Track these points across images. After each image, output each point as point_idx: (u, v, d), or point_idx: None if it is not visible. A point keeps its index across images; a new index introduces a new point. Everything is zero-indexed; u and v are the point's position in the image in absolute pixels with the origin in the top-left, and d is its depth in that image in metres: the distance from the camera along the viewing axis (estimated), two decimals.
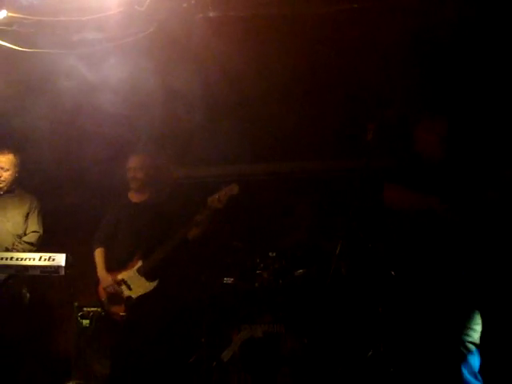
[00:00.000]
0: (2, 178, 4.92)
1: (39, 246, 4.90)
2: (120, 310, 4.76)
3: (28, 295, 4.75)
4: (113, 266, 4.91)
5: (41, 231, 5.06)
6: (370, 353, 4.46)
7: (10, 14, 4.05)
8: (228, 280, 5.03)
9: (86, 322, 4.88)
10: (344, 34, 4.46)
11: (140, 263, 4.85)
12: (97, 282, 4.92)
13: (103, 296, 4.85)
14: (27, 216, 5.01)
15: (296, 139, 5.59)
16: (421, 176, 4.21)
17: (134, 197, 5.12)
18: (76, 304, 5.24)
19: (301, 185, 5.83)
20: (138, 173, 5.02)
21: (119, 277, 4.84)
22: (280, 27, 4.37)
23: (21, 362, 4.71)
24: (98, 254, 4.99)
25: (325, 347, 4.67)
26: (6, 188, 4.97)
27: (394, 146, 5.20)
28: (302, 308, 4.89)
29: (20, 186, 5.09)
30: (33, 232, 5.02)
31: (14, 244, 4.86)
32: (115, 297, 4.80)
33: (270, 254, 4.97)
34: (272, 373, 4.58)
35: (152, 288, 4.79)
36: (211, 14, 4.23)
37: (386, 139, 4.52)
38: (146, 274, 4.81)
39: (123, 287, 4.81)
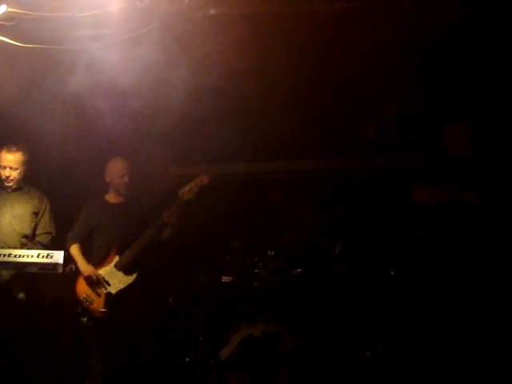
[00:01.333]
0: (11, 177, 4.86)
1: (52, 247, 4.80)
2: (100, 306, 4.77)
3: (23, 295, 4.72)
4: (91, 264, 4.95)
5: (53, 232, 5.02)
6: (368, 353, 4.45)
7: (9, 9, 4.03)
8: (227, 279, 5.04)
9: (83, 319, 4.84)
10: (345, 33, 4.46)
11: (117, 258, 4.90)
12: (75, 279, 4.93)
13: (82, 294, 4.85)
14: (35, 214, 4.96)
15: (296, 138, 5.57)
16: (449, 173, 4.23)
17: (112, 197, 5.17)
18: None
19: (300, 184, 5.83)
20: (125, 178, 5.07)
21: (98, 272, 4.87)
22: (281, 25, 4.36)
23: (22, 362, 4.68)
24: (75, 249, 5.01)
25: (323, 347, 4.67)
26: (14, 186, 4.92)
27: (395, 145, 5.22)
28: (300, 307, 4.89)
29: (28, 183, 5.05)
30: (45, 233, 4.97)
31: (23, 244, 4.81)
32: (94, 292, 4.82)
33: (269, 252, 4.98)
34: (270, 372, 4.59)
35: (131, 282, 4.85)
36: (212, 12, 4.23)
37: (386, 138, 4.55)
38: (123, 268, 4.87)
39: (102, 283, 4.84)
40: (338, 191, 5.41)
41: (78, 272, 4.93)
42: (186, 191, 4.89)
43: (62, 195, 5.39)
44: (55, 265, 4.04)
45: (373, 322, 4.48)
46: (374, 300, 4.50)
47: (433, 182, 4.24)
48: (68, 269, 4.82)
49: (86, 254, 5.03)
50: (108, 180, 5.15)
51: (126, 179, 5.08)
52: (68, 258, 4.72)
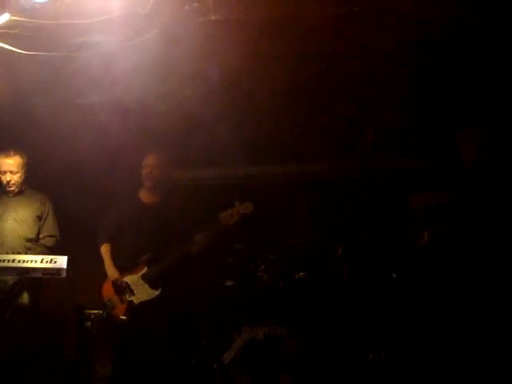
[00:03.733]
0: (12, 181, 4.88)
1: (56, 250, 4.84)
2: (121, 313, 4.75)
3: (28, 299, 4.74)
4: (117, 265, 4.90)
5: (57, 235, 5.03)
6: (371, 356, 4.47)
7: (12, 18, 4.06)
8: (229, 282, 5.03)
9: (87, 323, 4.87)
10: (345, 38, 4.47)
11: (145, 269, 4.83)
12: (101, 280, 4.91)
13: (106, 296, 4.84)
14: (38, 218, 4.97)
15: (297, 142, 5.60)
16: (458, 179, 4.25)
17: (145, 197, 5.07)
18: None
19: (302, 187, 5.84)
20: (154, 170, 4.99)
21: (123, 279, 4.83)
22: (280, 30, 4.38)
23: (26, 366, 4.70)
24: (105, 250, 4.98)
25: (326, 349, 4.68)
26: (16, 190, 4.94)
27: (395, 148, 5.24)
28: (303, 310, 4.90)
29: (30, 186, 5.06)
30: (50, 236, 4.98)
31: (28, 248, 4.81)
32: (118, 298, 4.80)
33: (271, 256, 4.98)
34: (273, 375, 4.59)
35: (155, 296, 4.78)
36: (213, 18, 4.24)
37: (385, 142, 4.59)
38: (150, 281, 4.80)
39: (126, 290, 4.80)
40: (340, 194, 5.42)
41: (104, 273, 4.91)
42: (228, 216, 4.80)
43: (64, 197, 5.42)
44: (59, 270, 4.07)
45: (375, 325, 4.50)
46: (377, 302, 4.52)
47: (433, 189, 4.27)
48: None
49: (113, 251, 4.99)
50: (141, 172, 5.06)
51: (153, 172, 4.98)
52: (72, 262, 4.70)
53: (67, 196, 5.51)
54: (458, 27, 4.11)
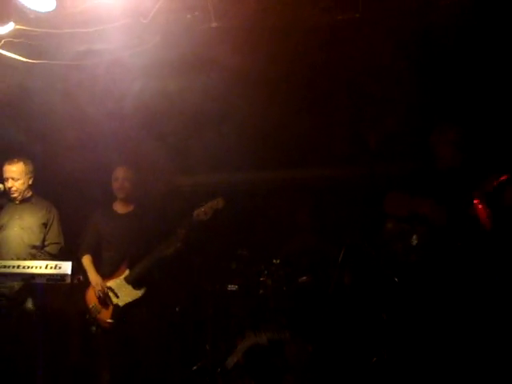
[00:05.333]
0: (14, 188, 4.94)
1: (60, 257, 4.89)
2: (107, 317, 4.83)
3: (33, 304, 4.79)
4: (100, 275, 5.00)
5: (62, 242, 5.10)
6: (374, 360, 4.48)
7: (17, 27, 4.12)
8: (232, 287, 5.07)
9: (93, 328, 4.90)
10: (346, 44, 4.50)
11: (127, 272, 4.94)
12: (85, 288, 4.99)
13: (91, 302, 4.92)
14: (44, 225, 5.04)
15: (300, 147, 5.62)
16: (433, 182, 4.23)
17: (120, 208, 5.19)
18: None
19: (305, 192, 5.86)
20: (125, 182, 5.11)
21: (107, 284, 4.93)
22: (281, 36, 4.41)
23: (31, 371, 4.73)
24: (87, 260, 5.08)
25: (329, 354, 4.69)
26: (20, 197, 5.00)
27: (397, 153, 5.25)
28: (306, 315, 4.91)
29: (37, 193, 5.13)
30: (54, 243, 5.05)
31: (32, 255, 4.87)
32: (102, 303, 4.88)
33: (274, 261, 5.00)
34: (276, 380, 4.59)
35: (139, 296, 4.88)
36: (214, 25, 4.28)
37: (388, 147, 4.59)
38: (133, 282, 4.90)
39: (111, 294, 4.89)
40: (343, 199, 5.44)
41: (88, 281, 5.00)
42: (201, 213, 4.90)
43: (69, 205, 5.47)
44: (63, 276, 4.09)
45: (378, 329, 4.51)
46: (379, 306, 4.53)
47: (415, 190, 4.26)
48: (76, 279, 4.88)
49: (95, 261, 5.09)
50: (112, 187, 5.18)
51: (125, 184, 5.10)
52: (77, 268, 4.77)
53: (72, 202, 5.56)
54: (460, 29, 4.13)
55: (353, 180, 5.53)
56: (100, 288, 4.89)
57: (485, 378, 3.90)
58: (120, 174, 5.13)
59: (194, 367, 4.96)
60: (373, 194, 4.95)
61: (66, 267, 4.12)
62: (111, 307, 4.87)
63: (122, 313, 4.85)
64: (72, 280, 4.14)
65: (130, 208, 5.19)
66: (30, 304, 4.80)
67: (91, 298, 4.94)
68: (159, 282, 5.10)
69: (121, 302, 4.88)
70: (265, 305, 4.93)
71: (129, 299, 4.88)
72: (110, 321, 4.81)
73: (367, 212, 4.88)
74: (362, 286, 4.87)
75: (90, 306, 4.92)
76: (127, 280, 4.91)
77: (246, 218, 5.64)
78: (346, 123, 5.31)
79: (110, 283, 4.93)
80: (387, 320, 4.49)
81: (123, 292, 4.89)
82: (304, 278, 5.00)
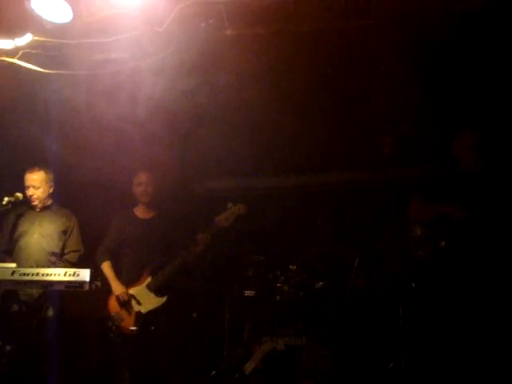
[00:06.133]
0: (35, 196, 4.99)
1: (80, 265, 4.90)
2: (130, 325, 4.83)
3: (53, 311, 4.83)
4: (121, 281, 5.01)
5: (82, 250, 5.14)
6: (391, 365, 4.46)
7: (35, 38, 4.19)
8: (249, 293, 5.07)
9: (110, 335, 4.93)
10: (359, 49, 4.51)
11: (149, 279, 4.94)
12: (107, 295, 5.00)
13: (113, 310, 4.93)
14: (63, 233, 5.09)
15: (315, 152, 5.63)
16: (456, 186, 4.24)
17: (141, 213, 5.22)
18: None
19: (321, 197, 5.87)
20: (148, 187, 5.13)
21: (129, 291, 4.94)
22: (294, 42, 4.43)
23: (50, 376, 4.78)
24: (107, 266, 5.08)
25: (346, 359, 4.68)
26: (41, 205, 5.06)
27: (413, 157, 5.23)
28: (323, 320, 4.91)
29: (57, 201, 5.18)
30: (74, 251, 5.09)
31: (52, 262, 4.91)
32: (125, 311, 4.90)
33: (291, 266, 5.01)
34: None
35: (161, 303, 4.89)
36: (228, 32, 4.32)
37: (402, 151, 4.58)
38: (155, 289, 4.91)
39: (133, 302, 4.90)
40: (358, 203, 5.43)
41: (109, 289, 5.00)
42: (223, 218, 4.93)
43: (90, 212, 5.52)
44: (82, 283, 4.12)
45: (395, 334, 4.50)
46: (396, 311, 4.52)
47: (430, 198, 4.26)
48: (94, 286, 4.91)
49: (116, 267, 5.10)
50: (134, 191, 5.21)
51: (148, 189, 5.12)
52: (96, 274, 4.80)
53: (92, 210, 5.61)
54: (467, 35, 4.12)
55: (368, 185, 5.53)
56: (123, 295, 4.90)
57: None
58: (143, 179, 5.15)
59: (212, 373, 4.98)
60: (390, 198, 4.95)
61: (85, 274, 4.14)
62: (134, 314, 4.87)
63: (145, 320, 4.84)
64: (90, 287, 4.18)
65: (152, 213, 5.20)
66: (49, 311, 4.82)
67: (113, 305, 4.95)
68: (181, 289, 5.12)
69: (143, 309, 4.87)
70: (281, 310, 4.94)
71: (151, 306, 4.88)
72: (133, 328, 4.80)
73: (385, 216, 4.88)
74: (378, 290, 4.86)
75: (113, 314, 4.92)
76: (149, 287, 4.92)
77: (262, 224, 5.65)
78: (363, 128, 5.30)
79: (132, 290, 4.93)
80: (404, 325, 4.47)
81: (146, 299, 4.89)
82: (320, 283, 5.00)
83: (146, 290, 4.92)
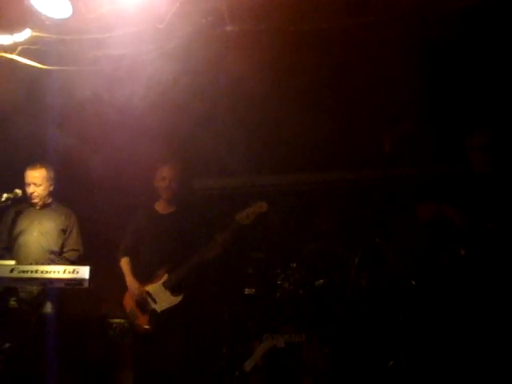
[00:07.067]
0: (36, 194, 4.98)
1: (79, 264, 4.88)
2: (144, 323, 4.78)
3: (52, 309, 4.81)
4: (138, 277, 4.94)
5: (81, 249, 5.11)
6: (391, 363, 4.46)
7: (33, 34, 4.17)
8: (249, 290, 5.05)
9: (110, 332, 4.92)
10: (359, 47, 4.49)
11: (166, 277, 4.87)
12: (123, 292, 4.96)
13: (128, 307, 4.88)
14: (63, 231, 5.07)
15: (316, 150, 5.61)
16: (465, 188, 4.25)
17: (162, 208, 5.12)
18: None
19: (321, 195, 5.85)
20: (172, 182, 5.03)
21: (145, 289, 4.87)
22: (294, 40, 4.41)
23: (49, 374, 4.77)
24: (125, 263, 5.02)
25: (346, 356, 4.68)
26: (41, 203, 5.04)
27: (412, 156, 5.23)
28: (323, 317, 4.90)
29: (57, 199, 5.16)
30: (73, 250, 5.07)
31: (51, 260, 4.89)
32: (140, 309, 4.84)
33: (291, 264, 4.98)
34: (294, 382, 4.59)
35: (177, 302, 4.81)
36: (229, 29, 4.29)
37: (404, 150, 4.57)
38: (171, 287, 4.83)
39: (148, 300, 4.84)
40: (358, 202, 5.42)
41: (125, 285, 4.95)
42: (244, 217, 4.85)
43: (89, 209, 5.50)
44: (81, 280, 4.12)
45: (395, 332, 4.49)
46: (396, 309, 4.51)
47: (441, 198, 4.25)
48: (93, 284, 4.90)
49: (135, 264, 5.03)
50: (156, 186, 5.11)
51: (168, 183, 5.02)
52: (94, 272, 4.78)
53: (92, 208, 5.59)
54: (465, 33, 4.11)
55: (370, 183, 5.51)
56: (138, 293, 4.85)
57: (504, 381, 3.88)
58: (167, 174, 5.04)
59: (212, 370, 4.97)
60: (389, 196, 4.94)
61: (84, 272, 4.14)
62: (148, 313, 4.82)
63: (160, 319, 4.79)
64: (90, 284, 4.17)
65: (172, 208, 5.12)
66: (48, 308, 4.82)
67: (128, 302, 4.90)
68: (198, 288, 5.07)
69: (158, 307, 4.81)
70: (281, 308, 4.92)
71: (167, 305, 4.81)
72: (147, 327, 4.75)
73: (384, 214, 4.87)
74: (379, 288, 4.85)
75: (128, 311, 4.87)
76: (165, 285, 4.84)
77: (263, 221, 5.62)
78: (364, 126, 5.28)
79: (148, 288, 4.87)
80: (404, 323, 4.46)
81: (161, 297, 4.82)
82: (320, 281, 4.99)
83: (162, 287, 4.84)
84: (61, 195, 5.21)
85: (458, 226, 4.10)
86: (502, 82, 4.65)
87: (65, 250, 5.06)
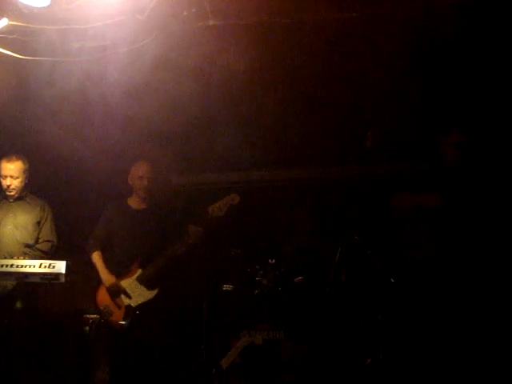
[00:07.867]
0: (12, 186, 4.89)
1: (52, 256, 4.83)
2: (119, 319, 4.72)
3: (27, 304, 4.73)
4: (111, 272, 4.88)
5: (55, 240, 5.03)
6: (369, 360, 4.47)
7: (11, 23, 4.07)
8: (227, 287, 5.03)
9: (85, 328, 4.85)
10: (345, 42, 4.48)
11: (140, 271, 4.84)
12: (96, 288, 4.88)
13: (102, 304, 4.81)
14: (38, 224, 4.99)
15: (295, 146, 5.62)
16: (438, 179, 4.32)
17: (135, 203, 5.08)
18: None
19: (300, 191, 5.86)
20: (149, 183, 5.01)
21: (119, 284, 4.81)
22: (281, 35, 4.39)
23: (24, 370, 4.69)
24: (97, 257, 4.96)
25: (324, 354, 4.68)
26: (16, 195, 4.95)
27: (394, 152, 5.25)
28: (301, 315, 4.90)
29: (30, 192, 5.07)
30: (46, 241, 4.99)
31: (25, 253, 4.81)
32: (115, 303, 4.78)
33: (270, 260, 4.98)
34: (272, 380, 4.58)
35: (152, 297, 4.78)
36: (211, 23, 4.24)
37: (385, 146, 4.59)
38: (145, 282, 4.80)
39: (122, 295, 4.79)
40: (338, 198, 5.43)
41: (99, 281, 4.88)
42: (216, 208, 4.83)
43: (64, 203, 5.43)
44: (57, 275, 4.07)
45: (373, 329, 4.50)
46: (375, 307, 4.53)
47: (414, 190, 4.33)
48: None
49: (106, 258, 4.97)
50: (130, 183, 5.09)
51: (146, 182, 4.99)
52: (70, 267, 4.70)
53: (67, 202, 5.52)
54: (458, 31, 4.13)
55: (349, 179, 5.52)
56: (113, 287, 4.79)
57: (482, 379, 3.90)
58: (145, 173, 5.01)
59: (189, 367, 4.94)
60: (368, 193, 4.96)
61: (60, 266, 4.09)
62: (123, 308, 4.76)
63: (135, 314, 4.73)
64: (66, 279, 4.11)
65: (145, 204, 5.08)
66: (18, 303, 4.72)
67: (102, 298, 4.83)
68: (174, 282, 5.04)
69: (133, 302, 4.76)
70: (260, 304, 4.91)
71: (141, 299, 4.77)
72: (122, 322, 4.68)
73: (363, 211, 4.88)
74: (358, 285, 4.87)
75: (102, 308, 4.80)
76: (140, 280, 4.81)
77: (241, 218, 5.60)
78: (344, 122, 5.29)
79: (122, 283, 4.81)
80: (382, 320, 4.48)
81: (136, 292, 4.78)
82: (299, 277, 4.99)
83: (136, 282, 4.81)
84: (35, 187, 5.11)
85: (432, 206, 4.20)
86: (486, 82, 4.70)
87: (39, 241, 4.97)
